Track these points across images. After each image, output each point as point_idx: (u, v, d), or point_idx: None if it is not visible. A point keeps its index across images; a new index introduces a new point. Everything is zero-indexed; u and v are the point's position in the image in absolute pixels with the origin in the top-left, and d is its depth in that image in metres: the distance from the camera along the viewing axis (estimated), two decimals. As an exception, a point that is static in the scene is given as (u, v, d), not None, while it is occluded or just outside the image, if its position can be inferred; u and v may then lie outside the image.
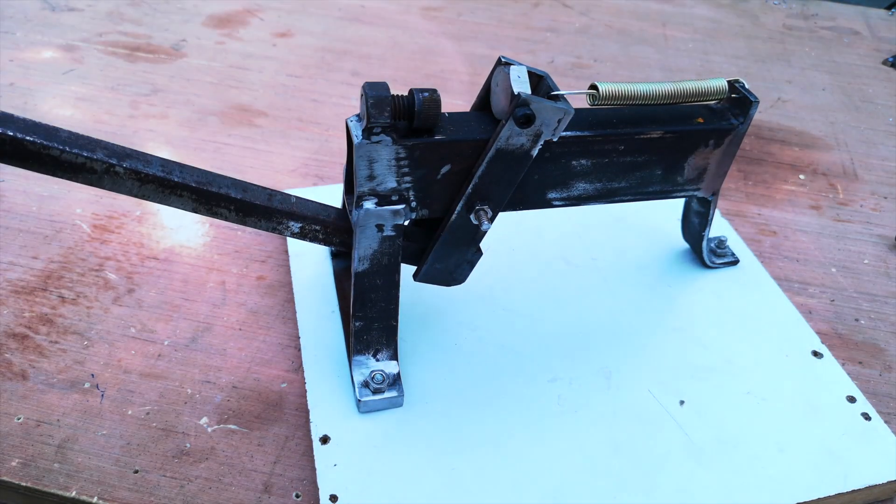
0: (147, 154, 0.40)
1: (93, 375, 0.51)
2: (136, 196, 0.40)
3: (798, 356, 0.54)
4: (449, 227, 0.46)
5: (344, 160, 0.48)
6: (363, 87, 0.40)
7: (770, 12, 1.14)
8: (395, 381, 0.48)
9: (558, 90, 0.42)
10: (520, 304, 0.57)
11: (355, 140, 0.41)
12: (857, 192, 0.76)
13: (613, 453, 0.46)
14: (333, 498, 0.43)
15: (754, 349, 0.54)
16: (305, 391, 0.49)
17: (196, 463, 0.46)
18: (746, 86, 0.50)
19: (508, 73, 0.42)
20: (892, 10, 1.17)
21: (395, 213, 0.43)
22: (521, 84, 0.42)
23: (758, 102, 0.50)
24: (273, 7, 1.05)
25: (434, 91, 0.41)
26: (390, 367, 0.49)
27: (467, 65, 0.94)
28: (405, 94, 0.42)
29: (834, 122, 0.87)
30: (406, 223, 0.46)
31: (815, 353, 0.54)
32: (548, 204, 0.50)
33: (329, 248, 0.59)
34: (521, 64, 0.42)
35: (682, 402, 0.50)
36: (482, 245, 0.48)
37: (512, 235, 0.62)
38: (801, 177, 0.77)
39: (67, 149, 0.37)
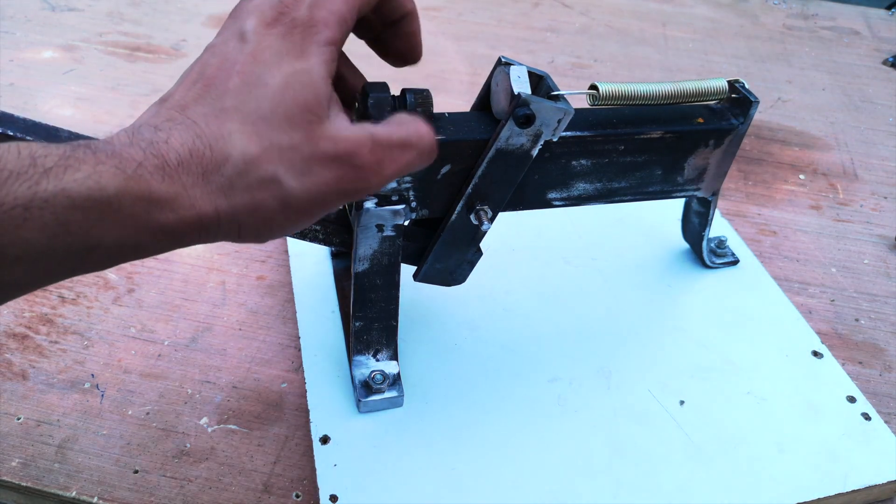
0: (147, 154, 0.40)
1: (93, 375, 0.51)
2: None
3: (798, 356, 0.54)
4: (449, 227, 0.46)
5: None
6: (363, 86, 0.40)
7: (770, 12, 1.14)
8: (395, 381, 0.48)
9: (558, 90, 0.42)
10: (520, 304, 0.57)
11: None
12: (857, 192, 0.76)
13: (613, 453, 0.46)
14: (333, 498, 0.43)
15: (754, 349, 0.54)
16: (305, 391, 0.49)
17: (196, 463, 0.46)
18: (746, 86, 0.50)
19: (508, 73, 0.42)
20: (892, 10, 1.17)
21: (395, 213, 0.43)
22: (521, 84, 0.42)
23: (758, 102, 0.50)
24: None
25: (426, 91, 0.41)
26: (390, 367, 0.49)
27: (467, 65, 0.94)
28: (398, 94, 0.42)
29: (834, 122, 0.87)
30: (406, 223, 0.46)
31: (815, 353, 0.54)
32: (548, 204, 0.50)
33: (329, 248, 0.59)
34: (521, 64, 0.42)
35: (682, 402, 0.50)
36: (482, 245, 0.48)
37: (512, 235, 0.62)
38: (801, 177, 0.77)
39: None
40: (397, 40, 0.40)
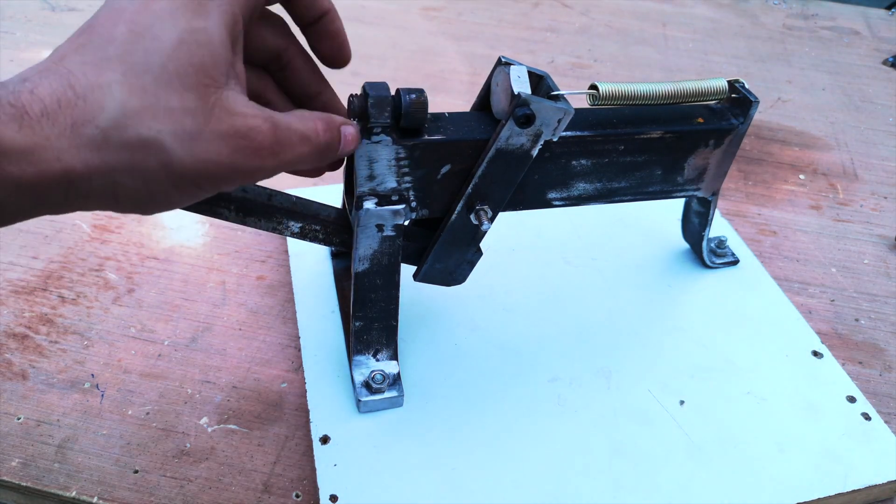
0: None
1: (93, 375, 0.51)
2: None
3: (798, 356, 0.54)
4: (449, 227, 0.46)
5: (344, 159, 0.48)
6: (363, 87, 0.40)
7: (770, 12, 1.14)
8: (395, 381, 0.48)
9: (558, 90, 0.42)
10: (520, 304, 0.57)
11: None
12: (857, 192, 0.76)
13: (613, 453, 0.46)
14: (333, 498, 0.43)
15: (754, 349, 0.54)
16: (305, 391, 0.49)
17: (196, 463, 0.46)
18: (746, 86, 0.50)
19: (508, 73, 0.42)
20: (892, 10, 1.17)
21: (396, 213, 0.43)
22: (521, 84, 0.42)
23: (758, 102, 0.50)
24: (273, 7, 1.05)
25: (421, 91, 0.40)
26: (390, 367, 0.49)
27: (467, 65, 0.94)
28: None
29: (834, 122, 0.87)
30: (406, 223, 0.46)
31: (815, 353, 0.54)
32: (548, 204, 0.50)
33: (329, 248, 0.59)
34: (521, 64, 0.42)
35: (682, 402, 0.50)
36: (482, 245, 0.48)
37: (512, 235, 0.62)
38: (801, 177, 0.77)
39: None
40: (320, 42, 0.38)
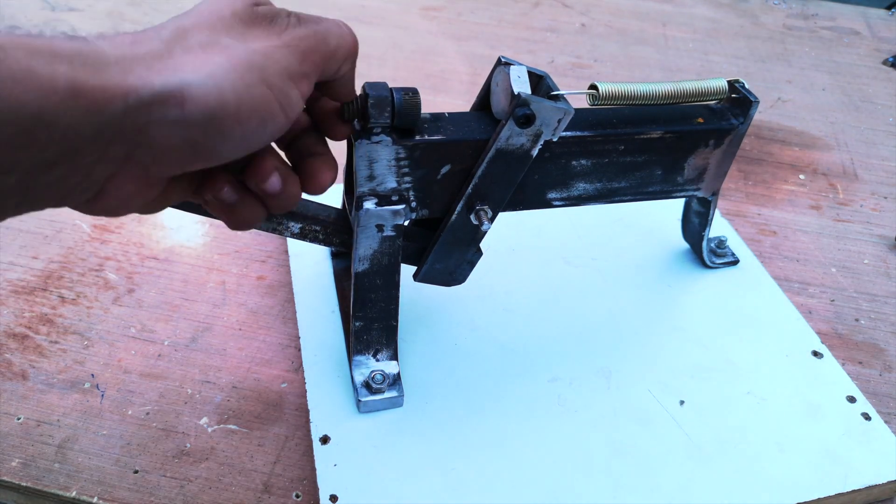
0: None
1: (93, 375, 0.51)
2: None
3: (798, 356, 0.54)
4: (449, 227, 0.46)
5: (344, 160, 0.48)
6: (363, 86, 0.40)
7: (770, 12, 1.14)
8: (395, 381, 0.48)
9: (558, 90, 0.42)
10: (520, 304, 0.57)
11: (355, 140, 0.41)
12: (857, 192, 0.76)
13: (613, 453, 0.46)
14: (333, 498, 0.43)
15: (754, 349, 0.54)
16: (305, 391, 0.49)
17: (196, 463, 0.46)
18: (746, 86, 0.50)
19: (508, 73, 0.42)
20: (892, 10, 1.17)
21: (395, 213, 0.43)
22: (521, 84, 0.42)
23: (758, 102, 0.50)
24: (273, 7, 1.05)
25: (414, 90, 0.40)
26: (390, 367, 0.49)
27: (467, 65, 0.94)
28: None
29: (834, 122, 0.87)
30: (406, 223, 0.46)
31: (815, 353, 0.54)
32: (548, 204, 0.50)
33: (329, 248, 0.59)
34: (521, 64, 0.42)
35: (682, 402, 0.50)
36: (482, 245, 0.48)
37: (512, 235, 0.62)
38: (801, 177, 0.77)
39: None
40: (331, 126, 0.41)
